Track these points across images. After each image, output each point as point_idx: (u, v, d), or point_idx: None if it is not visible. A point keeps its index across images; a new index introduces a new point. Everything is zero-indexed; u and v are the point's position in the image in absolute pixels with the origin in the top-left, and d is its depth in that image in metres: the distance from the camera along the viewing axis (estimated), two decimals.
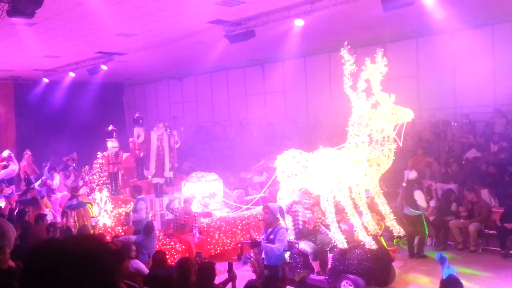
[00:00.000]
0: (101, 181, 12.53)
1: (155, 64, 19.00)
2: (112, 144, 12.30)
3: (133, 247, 7.45)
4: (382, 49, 7.82)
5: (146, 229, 8.89)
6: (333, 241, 7.93)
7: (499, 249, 9.89)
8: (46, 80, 19.82)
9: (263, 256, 7.09)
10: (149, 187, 12.09)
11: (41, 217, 10.26)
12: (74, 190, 11.95)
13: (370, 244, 7.70)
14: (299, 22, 11.51)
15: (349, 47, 7.81)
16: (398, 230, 8.08)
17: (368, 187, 8.00)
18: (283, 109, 19.48)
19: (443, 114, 14.62)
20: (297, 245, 8.12)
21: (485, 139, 13.26)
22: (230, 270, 6.35)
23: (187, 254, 9.05)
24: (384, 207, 8.04)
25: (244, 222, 10.94)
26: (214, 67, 19.83)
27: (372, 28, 13.68)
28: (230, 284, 6.14)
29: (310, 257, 8.02)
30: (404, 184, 10.55)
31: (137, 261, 7.06)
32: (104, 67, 16.57)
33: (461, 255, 10.02)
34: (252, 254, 7.72)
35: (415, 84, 15.36)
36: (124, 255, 6.74)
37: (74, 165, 16.50)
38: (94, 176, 12.85)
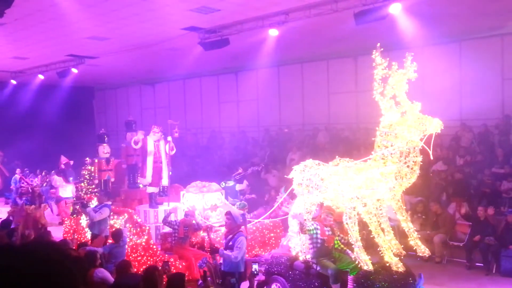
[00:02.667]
0: (90, 189, 11.48)
1: (127, 68, 18.79)
2: (103, 149, 11.31)
3: (98, 255, 7.23)
4: (412, 54, 7.17)
5: (115, 236, 8.29)
6: (356, 261, 7.20)
7: (464, 260, 10.09)
8: (13, 82, 19.31)
9: (221, 261, 7.08)
10: (142, 196, 11.14)
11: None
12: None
13: (398, 266, 7.05)
14: (273, 32, 11.60)
15: (382, 49, 7.15)
16: (423, 250, 7.30)
17: (389, 203, 7.28)
18: (255, 117, 19.53)
19: None
20: (314, 266, 7.40)
21: (452, 152, 13.61)
22: (204, 279, 6.30)
23: (187, 273, 8.29)
24: (407, 225, 7.32)
25: (249, 237, 9.71)
26: (188, 73, 19.76)
27: (344, 41, 13.92)
28: None
29: (330, 279, 7.19)
30: None
31: (102, 269, 6.87)
32: (74, 70, 16.24)
33: (426, 266, 10.16)
34: (207, 259, 7.58)
35: None
36: (86, 262, 6.56)
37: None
38: (82, 184, 11.77)
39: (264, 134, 18.67)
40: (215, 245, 7.09)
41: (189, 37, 12.67)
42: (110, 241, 8.62)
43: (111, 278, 6.67)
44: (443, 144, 14.20)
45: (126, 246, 8.57)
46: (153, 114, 23.16)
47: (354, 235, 7.17)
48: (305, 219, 7.67)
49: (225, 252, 6.83)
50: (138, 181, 11.05)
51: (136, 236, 9.22)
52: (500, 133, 13.51)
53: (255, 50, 13.84)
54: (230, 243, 6.93)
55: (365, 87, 16.95)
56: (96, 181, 11.38)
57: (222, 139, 19.71)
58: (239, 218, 7.29)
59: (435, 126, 6.79)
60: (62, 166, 15.68)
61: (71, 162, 15.44)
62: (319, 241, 7.42)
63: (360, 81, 16.48)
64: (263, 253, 9.76)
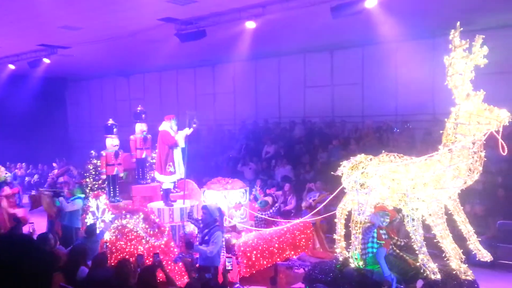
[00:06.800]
0: (96, 185, 10.67)
1: (101, 59, 18.44)
2: (111, 141, 10.29)
3: (86, 252, 6.88)
4: (483, 36, 6.43)
5: (88, 232, 8.01)
6: (420, 269, 6.57)
7: (435, 251, 10.27)
8: None
9: (197, 256, 7.05)
10: (152, 193, 10.36)
11: None
12: None
13: (467, 274, 6.53)
14: (250, 25, 11.56)
15: (462, 29, 6.53)
16: (484, 254, 6.68)
17: (446, 203, 6.66)
18: (232, 110, 19.50)
19: (386, 120, 15.19)
20: (370, 274, 6.75)
21: (425, 146, 13.85)
22: (154, 259, 6.36)
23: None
24: (466, 227, 6.68)
25: (281, 239, 9.03)
26: (164, 66, 19.54)
27: (321, 35, 13.99)
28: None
29: None
30: None
31: (84, 269, 6.63)
32: (46, 60, 15.88)
33: None
34: (183, 254, 7.44)
35: (360, 91, 15.87)
36: (57, 257, 6.39)
37: None
38: (87, 180, 10.96)
39: (240, 127, 18.65)
40: (190, 240, 7.01)
41: (165, 28, 12.51)
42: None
43: None
44: (416, 138, 14.47)
45: (101, 241, 8.14)
46: (128, 106, 22.86)
47: (418, 239, 6.51)
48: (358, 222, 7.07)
49: (200, 247, 6.77)
50: (159, 177, 9.79)
51: (154, 238, 8.21)
52: None
53: (232, 42, 13.76)
54: (206, 238, 6.86)
55: (340, 81, 17.16)
56: (104, 176, 10.37)
57: (198, 131, 19.59)
58: (216, 212, 7.17)
59: (505, 117, 6.05)
60: None
61: None
62: (375, 245, 6.74)
63: (336, 75, 16.62)
64: (294, 256, 9.25)
